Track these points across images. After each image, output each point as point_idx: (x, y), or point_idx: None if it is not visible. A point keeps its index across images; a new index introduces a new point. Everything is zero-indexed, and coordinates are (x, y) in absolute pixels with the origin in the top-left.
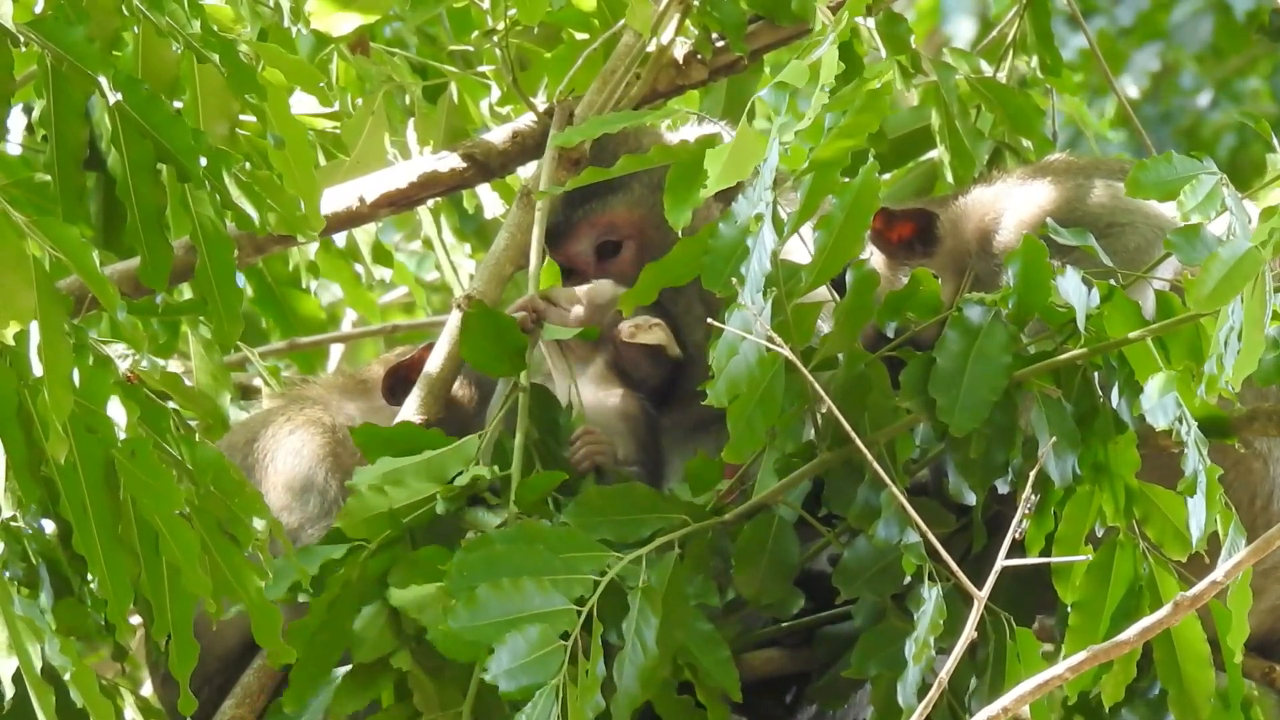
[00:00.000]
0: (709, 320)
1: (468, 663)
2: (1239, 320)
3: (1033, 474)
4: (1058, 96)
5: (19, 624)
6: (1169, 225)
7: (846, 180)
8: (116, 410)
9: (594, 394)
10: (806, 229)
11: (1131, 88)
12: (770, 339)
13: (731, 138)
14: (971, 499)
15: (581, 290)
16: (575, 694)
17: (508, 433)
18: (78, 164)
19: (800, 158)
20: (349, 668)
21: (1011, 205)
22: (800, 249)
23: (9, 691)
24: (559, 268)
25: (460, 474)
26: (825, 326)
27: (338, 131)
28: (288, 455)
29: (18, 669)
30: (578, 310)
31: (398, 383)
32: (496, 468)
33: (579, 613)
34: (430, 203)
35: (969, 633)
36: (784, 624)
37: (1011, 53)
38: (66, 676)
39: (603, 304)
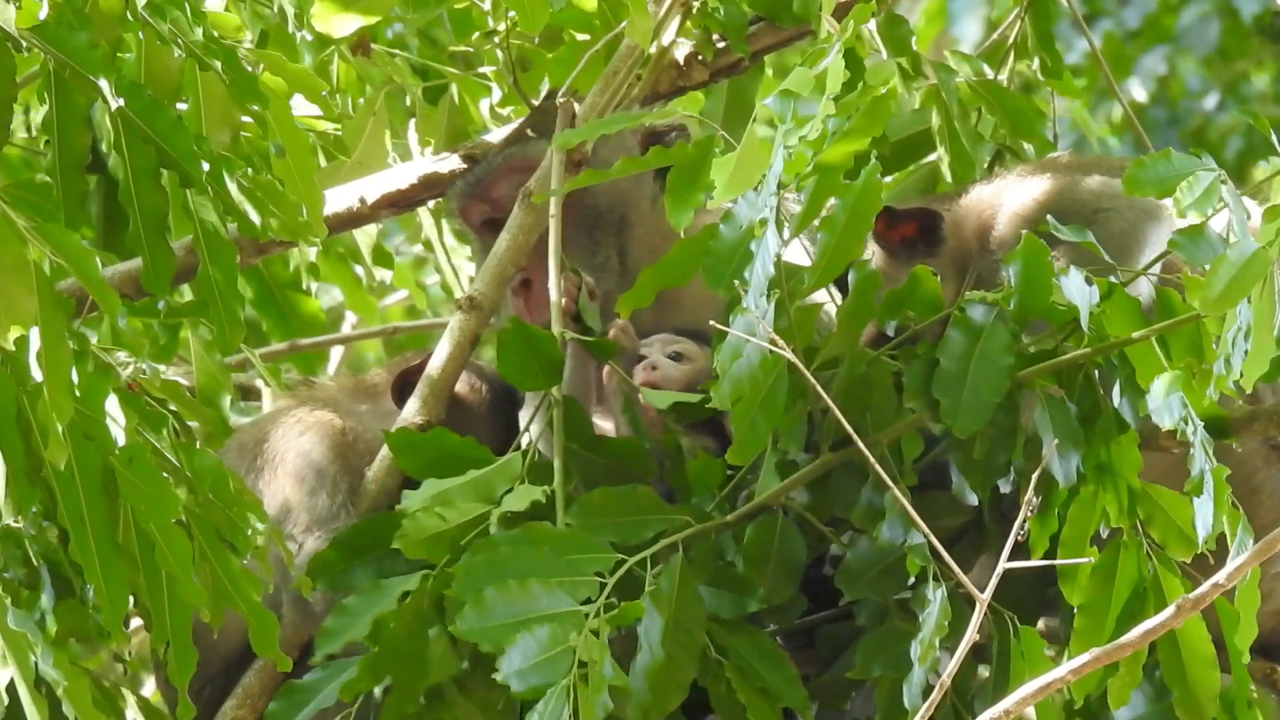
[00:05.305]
0: (711, 322)
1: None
2: (1247, 321)
3: (1035, 475)
4: (1060, 100)
5: (14, 637)
6: (1153, 209)
7: (849, 182)
8: (116, 416)
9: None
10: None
11: (1139, 90)
12: (773, 342)
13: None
14: (974, 499)
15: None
16: (585, 694)
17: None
18: (80, 169)
19: (804, 162)
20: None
21: (1007, 200)
22: (799, 250)
23: (4, 700)
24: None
25: (509, 492)
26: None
27: (339, 133)
28: (297, 456)
29: (11, 680)
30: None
31: (407, 387)
32: (547, 488)
33: (586, 614)
34: (431, 204)
35: (972, 633)
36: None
37: (1013, 55)
38: (60, 691)
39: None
